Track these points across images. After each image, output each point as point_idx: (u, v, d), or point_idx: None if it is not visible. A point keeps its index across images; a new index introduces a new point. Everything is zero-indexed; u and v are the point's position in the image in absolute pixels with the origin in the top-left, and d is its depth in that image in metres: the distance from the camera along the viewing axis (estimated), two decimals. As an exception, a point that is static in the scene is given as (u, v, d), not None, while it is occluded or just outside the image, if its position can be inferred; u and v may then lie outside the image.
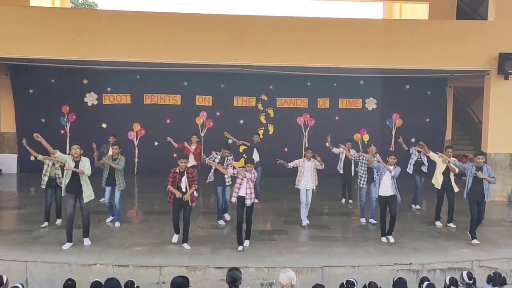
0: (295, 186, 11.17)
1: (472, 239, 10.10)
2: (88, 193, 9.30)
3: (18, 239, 9.70)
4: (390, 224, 10.13)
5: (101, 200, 12.15)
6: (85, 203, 9.30)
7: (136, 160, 17.25)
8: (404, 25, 15.40)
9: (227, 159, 10.95)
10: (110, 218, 11.19)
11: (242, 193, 9.44)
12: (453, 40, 14.07)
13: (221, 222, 11.22)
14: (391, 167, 10.01)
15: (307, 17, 14.62)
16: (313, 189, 11.22)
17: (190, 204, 9.51)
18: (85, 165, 9.26)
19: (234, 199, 9.60)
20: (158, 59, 13.78)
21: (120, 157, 10.88)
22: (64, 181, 9.26)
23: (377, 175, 10.49)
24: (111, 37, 13.42)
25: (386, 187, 10.01)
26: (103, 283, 6.65)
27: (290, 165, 11.15)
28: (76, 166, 9.17)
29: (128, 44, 13.44)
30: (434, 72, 15.58)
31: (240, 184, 9.46)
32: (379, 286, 6.69)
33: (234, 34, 13.53)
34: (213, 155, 11.18)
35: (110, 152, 12.57)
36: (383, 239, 10.13)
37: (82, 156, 9.32)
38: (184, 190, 9.45)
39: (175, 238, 9.69)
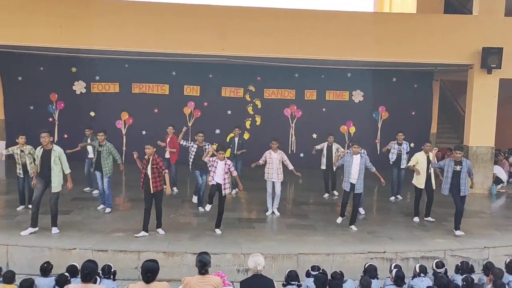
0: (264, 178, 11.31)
1: (456, 230, 10.22)
2: (55, 184, 9.25)
3: (1, 223, 9.87)
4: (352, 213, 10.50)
5: (85, 189, 12.34)
6: (53, 193, 9.28)
7: (124, 148, 17.32)
8: (390, 18, 15.55)
9: (205, 148, 11.27)
10: (101, 206, 11.29)
11: (218, 179, 9.72)
12: (438, 34, 14.24)
13: (201, 209, 11.34)
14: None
15: (295, 8, 14.67)
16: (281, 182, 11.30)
17: (153, 191, 9.46)
18: (62, 157, 9.29)
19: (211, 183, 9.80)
20: (144, 48, 13.85)
21: (106, 143, 11.11)
22: (36, 169, 9.29)
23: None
24: (98, 26, 13.50)
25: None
26: (79, 267, 6.83)
27: (261, 161, 11.30)
28: (47, 155, 9.16)
29: (115, 32, 13.54)
30: (418, 66, 15.73)
31: (215, 172, 9.76)
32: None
33: (220, 25, 13.65)
34: (191, 147, 11.50)
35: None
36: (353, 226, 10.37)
37: (54, 145, 9.30)
38: (150, 177, 9.40)
39: (142, 234, 9.45)
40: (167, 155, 12.90)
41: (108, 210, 11.13)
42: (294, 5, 16.06)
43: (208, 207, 9.87)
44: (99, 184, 11.25)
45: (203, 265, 5.84)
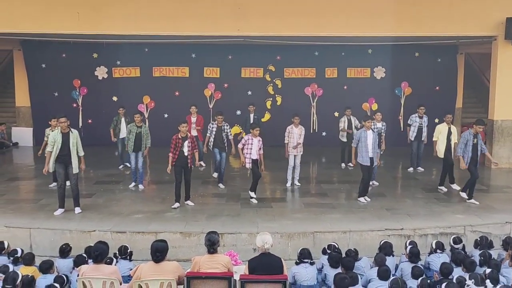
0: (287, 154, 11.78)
1: (471, 199, 10.52)
2: (76, 165, 9.54)
3: (25, 207, 10.13)
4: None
5: (120, 167, 13.51)
6: (73, 174, 9.55)
7: (147, 132, 17.52)
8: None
9: (224, 129, 11.58)
10: (133, 184, 11.78)
11: (254, 156, 10.49)
12: (460, 5, 13.88)
13: (221, 186, 11.89)
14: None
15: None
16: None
17: (191, 166, 10.25)
18: (78, 140, 9.56)
19: (248, 165, 10.53)
20: (162, 32, 13.87)
21: (144, 124, 11.82)
22: (54, 153, 9.45)
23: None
24: (115, 11, 13.58)
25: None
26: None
27: (286, 139, 11.72)
28: (66, 139, 9.40)
29: (132, 17, 13.58)
30: (440, 39, 15.35)
31: (252, 149, 10.38)
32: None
33: (236, 5, 13.54)
34: (210, 126, 11.86)
35: (122, 123, 13.24)
36: (362, 199, 10.64)
37: (70, 128, 9.60)
38: (186, 154, 10.03)
39: (177, 205, 10.11)
40: (194, 133, 13.32)
41: (141, 187, 11.71)
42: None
43: (254, 198, 10.55)
44: (132, 163, 11.65)
45: (211, 244, 5.89)
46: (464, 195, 10.64)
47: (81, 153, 9.64)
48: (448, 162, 11.49)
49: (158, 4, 13.57)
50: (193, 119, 13.45)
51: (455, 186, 11.58)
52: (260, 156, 10.62)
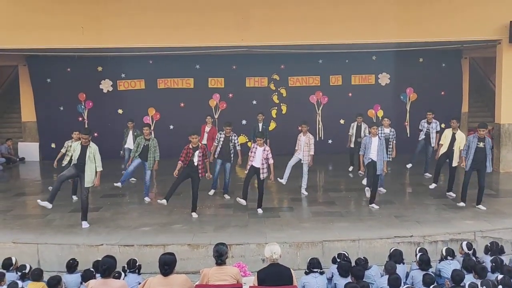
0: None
1: (478, 205, 10.46)
2: (88, 179, 9.58)
3: (32, 223, 10.11)
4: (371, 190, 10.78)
5: (131, 180, 13.29)
6: (85, 187, 9.62)
7: (153, 144, 17.53)
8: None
9: (232, 139, 11.49)
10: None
11: (256, 164, 10.37)
12: (463, 9, 13.90)
13: (211, 193, 12.06)
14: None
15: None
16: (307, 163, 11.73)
17: (200, 176, 10.25)
18: (95, 155, 9.64)
19: (247, 171, 10.56)
20: (166, 44, 13.93)
21: (152, 137, 11.74)
22: (74, 158, 9.70)
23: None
24: (119, 24, 13.67)
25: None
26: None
27: (296, 147, 11.84)
28: (84, 151, 9.56)
29: (135, 30, 13.67)
30: (444, 44, 15.31)
31: (254, 157, 10.38)
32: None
33: (239, 15, 13.58)
34: (218, 136, 11.79)
35: (129, 136, 13.26)
36: (374, 205, 10.68)
37: (91, 142, 9.74)
38: (196, 164, 10.08)
39: (164, 201, 10.13)
40: (205, 141, 13.43)
41: (147, 199, 11.70)
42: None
43: (243, 202, 10.52)
44: (131, 167, 11.58)
45: (219, 255, 5.85)
46: (480, 207, 10.44)
47: (99, 168, 9.68)
48: (439, 164, 11.76)
49: (161, 16, 13.63)
50: (207, 129, 13.57)
51: (432, 186, 12.03)
52: (270, 166, 10.48)
